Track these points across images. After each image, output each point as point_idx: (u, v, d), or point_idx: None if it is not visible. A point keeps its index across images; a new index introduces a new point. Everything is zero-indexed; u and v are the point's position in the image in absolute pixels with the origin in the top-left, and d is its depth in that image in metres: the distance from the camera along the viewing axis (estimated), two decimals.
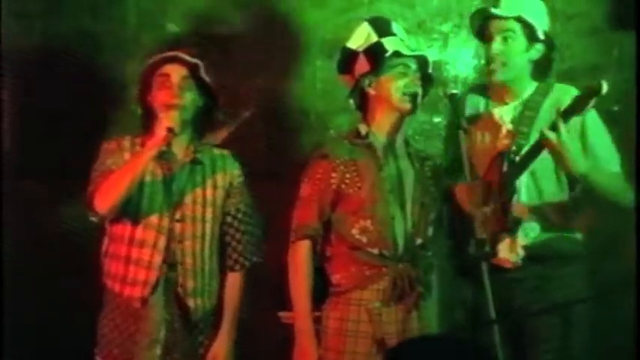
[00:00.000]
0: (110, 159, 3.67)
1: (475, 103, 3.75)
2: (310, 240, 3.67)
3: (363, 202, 3.63)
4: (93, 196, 3.60)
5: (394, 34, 3.70)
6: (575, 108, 3.39)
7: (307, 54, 4.47)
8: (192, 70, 3.70)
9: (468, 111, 3.76)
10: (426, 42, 4.53)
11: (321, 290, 3.70)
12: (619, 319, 3.85)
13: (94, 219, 3.65)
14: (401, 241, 3.64)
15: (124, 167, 3.61)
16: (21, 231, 4.07)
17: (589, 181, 3.47)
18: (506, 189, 3.56)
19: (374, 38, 3.69)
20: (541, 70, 3.69)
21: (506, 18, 3.61)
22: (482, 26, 3.68)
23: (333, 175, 3.67)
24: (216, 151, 3.83)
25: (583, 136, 3.56)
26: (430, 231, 3.71)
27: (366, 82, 3.69)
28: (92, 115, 3.76)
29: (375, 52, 3.66)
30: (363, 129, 3.73)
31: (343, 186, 3.66)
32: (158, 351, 3.63)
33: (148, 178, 3.65)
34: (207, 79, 3.73)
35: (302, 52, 4.46)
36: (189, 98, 3.67)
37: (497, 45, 3.61)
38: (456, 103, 3.56)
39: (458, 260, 3.71)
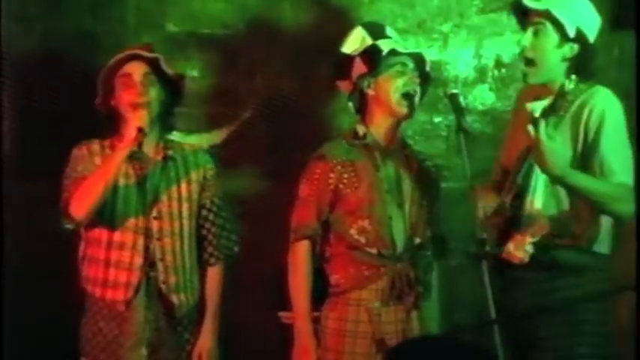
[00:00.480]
0: (81, 165, 3.65)
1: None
2: (309, 240, 3.68)
3: (360, 202, 3.64)
4: (68, 203, 3.59)
5: (388, 37, 3.71)
6: (554, 107, 3.36)
7: (307, 54, 4.47)
8: (152, 65, 3.68)
9: None
10: (426, 42, 4.53)
11: (321, 291, 3.71)
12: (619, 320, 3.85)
13: (69, 226, 3.64)
14: (399, 241, 3.65)
15: (96, 172, 3.59)
16: (21, 232, 4.07)
17: (566, 184, 3.38)
18: (515, 184, 3.52)
19: (369, 41, 3.69)
20: (577, 69, 3.51)
21: (536, 11, 3.49)
22: (523, 18, 3.56)
23: (331, 175, 3.67)
24: (187, 147, 3.82)
25: (596, 139, 3.44)
26: (429, 231, 3.72)
27: (365, 83, 3.69)
28: (92, 116, 3.75)
29: (371, 54, 3.67)
30: (360, 130, 3.74)
31: (341, 186, 3.66)
32: (144, 351, 3.63)
33: (121, 181, 3.63)
34: (168, 71, 3.71)
35: (302, 52, 4.46)
36: (154, 94, 3.65)
37: (528, 37, 3.50)
38: (456, 103, 3.56)
39: (458, 260, 3.70)
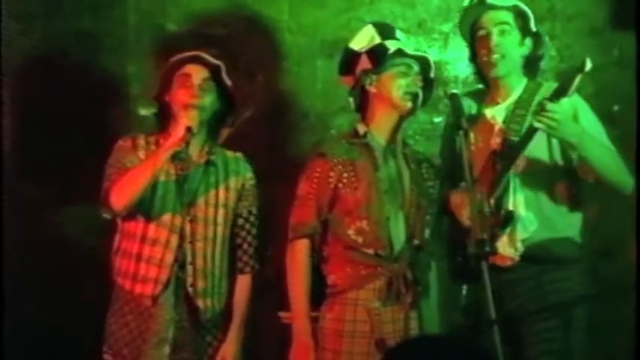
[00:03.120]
0: (126, 157, 3.67)
1: (468, 107, 3.75)
2: (308, 239, 3.68)
3: (359, 203, 3.63)
4: (108, 192, 3.60)
5: (397, 39, 3.71)
6: (563, 88, 3.41)
7: (307, 54, 4.47)
8: (214, 71, 3.71)
9: None
10: (426, 42, 4.53)
11: (319, 291, 3.70)
12: (619, 320, 3.85)
13: (107, 216, 3.65)
14: (397, 242, 3.65)
15: (141, 165, 3.61)
16: (21, 232, 4.08)
17: (583, 146, 3.47)
18: (498, 184, 3.57)
19: (377, 40, 3.69)
20: (530, 67, 3.73)
21: (502, 8, 3.65)
22: (473, 26, 3.72)
23: (331, 174, 3.67)
24: (230, 154, 3.84)
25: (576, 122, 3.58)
26: (427, 232, 3.71)
27: (367, 80, 3.69)
28: (92, 115, 3.76)
29: (377, 51, 3.67)
30: (361, 129, 3.73)
31: (340, 185, 3.66)
32: (167, 350, 3.64)
33: (161, 178, 3.65)
34: (228, 81, 3.74)
35: (302, 52, 4.46)
36: (209, 100, 3.69)
37: (496, 37, 3.65)
38: (456, 103, 3.57)
39: (458, 260, 3.70)
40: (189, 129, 3.57)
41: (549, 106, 3.39)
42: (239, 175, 3.80)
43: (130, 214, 3.65)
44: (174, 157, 3.65)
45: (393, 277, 3.62)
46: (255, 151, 4.33)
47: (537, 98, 3.64)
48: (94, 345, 3.70)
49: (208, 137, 3.76)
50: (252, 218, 3.81)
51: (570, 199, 3.63)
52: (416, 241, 3.67)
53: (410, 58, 3.67)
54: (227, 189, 3.76)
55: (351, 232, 3.64)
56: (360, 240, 3.63)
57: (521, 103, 3.66)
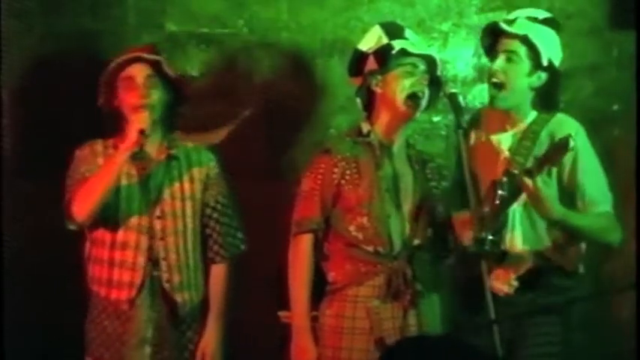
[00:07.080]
0: (84, 166, 3.68)
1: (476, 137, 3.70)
2: (312, 235, 3.68)
3: (360, 200, 3.65)
4: (70, 204, 3.61)
5: (406, 39, 3.71)
6: (548, 159, 3.34)
7: (307, 54, 4.47)
8: (155, 67, 3.70)
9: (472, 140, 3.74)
10: (425, 41, 4.50)
11: (319, 290, 3.70)
12: (619, 319, 3.85)
13: (72, 227, 3.66)
14: (397, 240, 3.66)
15: (98, 173, 3.61)
16: (21, 231, 4.07)
17: (566, 225, 3.45)
18: (496, 220, 3.51)
19: (384, 40, 3.70)
20: (543, 100, 3.63)
21: (513, 36, 3.57)
22: (492, 44, 3.65)
23: (335, 170, 3.68)
24: (190, 145, 3.84)
25: (573, 174, 3.52)
26: (430, 232, 3.71)
27: (373, 80, 3.70)
28: (92, 115, 3.76)
29: (382, 52, 3.67)
30: (365, 127, 3.75)
31: (343, 182, 3.68)
32: (147, 350, 3.65)
33: (124, 181, 3.65)
34: (171, 73, 3.73)
35: (302, 52, 4.46)
36: (157, 96, 3.68)
37: (499, 62, 3.58)
38: (455, 102, 3.57)
39: (457, 260, 3.70)
40: (141, 131, 3.57)
41: (527, 181, 3.33)
42: (202, 164, 3.80)
43: (97, 222, 3.65)
44: (134, 158, 3.64)
45: (392, 275, 3.63)
46: (255, 151, 4.34)
47: (545, 131, 3.57)
48: None
49: (165, 132, 3.75)
50: (219, 207, 3.80)
51: (570, 234, 3.56)
52: (417, 241, 3.67)
53: (415, 57, 3.67)
54: (191, 180, 3.76)
55: (352, 228, 3.65)
56: (360, 236, 3.64)
57: (528, 134, 3.59)
